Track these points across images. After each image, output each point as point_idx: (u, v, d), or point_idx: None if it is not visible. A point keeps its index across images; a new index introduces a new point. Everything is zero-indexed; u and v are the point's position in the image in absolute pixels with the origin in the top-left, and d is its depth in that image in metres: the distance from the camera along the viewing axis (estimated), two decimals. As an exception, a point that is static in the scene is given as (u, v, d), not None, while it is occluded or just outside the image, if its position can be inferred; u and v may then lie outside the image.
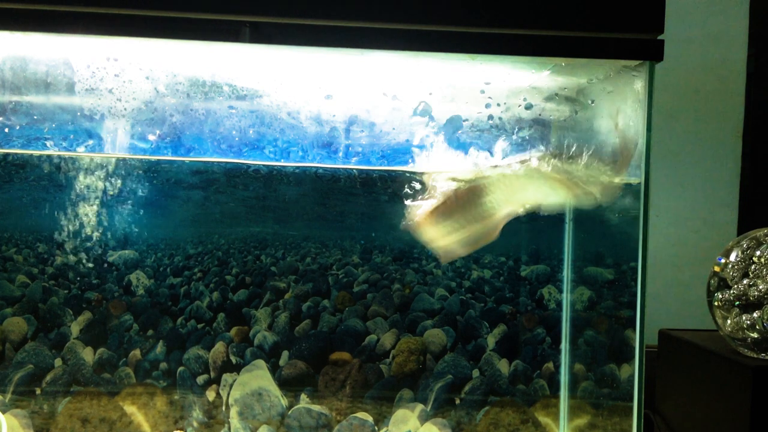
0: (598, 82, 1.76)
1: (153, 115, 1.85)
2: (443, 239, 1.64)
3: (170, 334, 2.13)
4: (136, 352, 2.11)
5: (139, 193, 2.06)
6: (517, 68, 1.73)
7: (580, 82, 1.80)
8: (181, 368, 2.11)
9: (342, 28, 1.50)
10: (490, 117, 1.76)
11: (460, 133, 1.77)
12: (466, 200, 1.62)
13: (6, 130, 1.86)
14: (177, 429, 2.05)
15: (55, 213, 2.05)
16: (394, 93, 1.82)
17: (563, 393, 2.13)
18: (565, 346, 2.14)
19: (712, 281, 1.68)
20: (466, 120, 1.77)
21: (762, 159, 2.26)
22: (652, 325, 1.90)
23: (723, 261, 1.65)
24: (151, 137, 1.89)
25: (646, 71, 1.57)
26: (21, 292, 2.12)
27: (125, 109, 1.82)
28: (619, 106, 1.68)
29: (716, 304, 1.64)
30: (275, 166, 2.02)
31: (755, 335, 1.56)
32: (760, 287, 1.56)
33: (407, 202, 1.66)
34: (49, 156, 1.98)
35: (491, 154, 1.69)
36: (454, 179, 1.65)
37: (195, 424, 2.07)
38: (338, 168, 2.01)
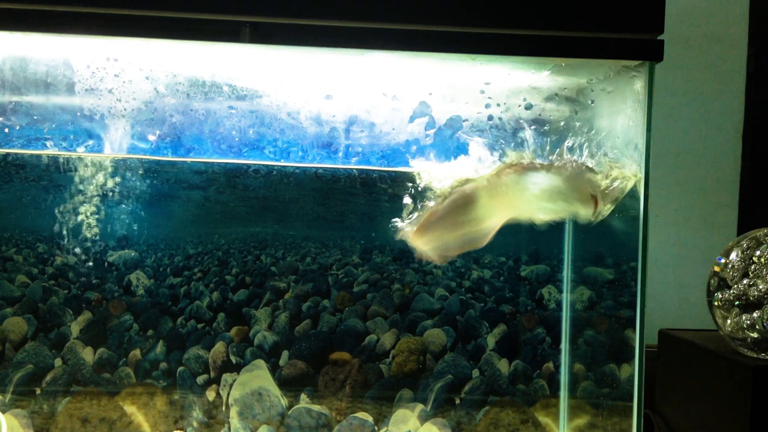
0: (598, 82, 1.76)
1: (153, 116, 1.85)
2: (432, 243, 1.64)
3: (170, 334, 2.13)
4: (136, 352, 2.11)
5: (139, 193, 2.06)
6: (517, 68, 1.73)
7: (580, 83, 1.80)
8: (181, 368, 2.11)
9: (342, 28, 1.50)
10: (490, 117, 1.76)
11: (459, 134, 1.77)
12: (457, 204, 1.62)
13: (6, 130, 1.86)
14: (177, 429, 2.05)
15: (55, 213, 2.05)
16: (394, 93, 1.82)
17: (563, 393, 2.13)
18: (565, 346, 2.14)
19: (712, 281, 1.68)
20: (466, 120, 1.77)
21: (762, 159, 2.26)
22: (652, 325, 1.90)
23: (723, 261, 1.65)
24: (151, 137, 1.89)
25: (646, 71, 1.57)
26: (21, 292, 2.12)
27: (125, 109, 1.82)
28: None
29: (716, 304, 1.64)
30: (275, 166, 2.02)
31: (755, 335, 1.56)
32: (760, 287, 1.56)
33: (405, 204, 1.66)
34: (49, 156, 1.98)
35: (488, 157, 1.69)
36: (449, 181, 1.65)
37: (195, 424, 2.07)
38: (338, 168, 2.01)
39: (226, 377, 2.10)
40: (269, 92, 1.85)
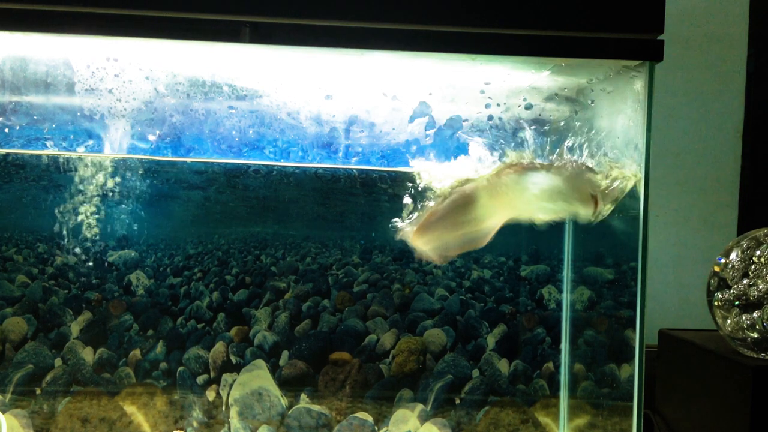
0: (598, 82, 1.76)
1: (153, 116, 1.85)
2: (432, 243, 1.64)
3: (170, 334, 2.13)
4: (136, 352, 2.11)
5: (139, 193, 2.06)
6: (517, 68, 1.73)
7: (580, 82, 1.80)
8: (181, 368, 2.11)
9: (342, 28, 1.50)
10: (490, 117, 1.76)
11: (459, 134, 1.77)
12: (457, 204, 1.62)
13: (6, 130, 1.86)
14: (177, 429, 2.05)
15: (55, 213, 2.05)
16: (394, 93, 1.82)
17: (563, 393, 2.13)
18: (565, 346, 2.14)
19: (712, 281, 1.68)
20: (466, 120, 1.77)
21: (762, 159, 2.26)
22: (652, 325, 1.90)
23: (723, 261, 1.65)
24: (151, 137, 1.89)
25: (646, 71, 1.57)
26: (21, 292, 2.12)
27: (125, 109, 1.82)
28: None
29: (716, 304, 1.64)
30: (275, 166, 2.02)
31: (755, 335, 1.56)
32: (760, 287, 1.56)
33: (405, 204, 1.66)
34: (48, 156, 1.98)
35: (488, 157, 1.69)
36: (449, 181, 1.65)
37: (195, 424, 2.07)
38: (338, 168, 2.01)
39: (226, 377, 2.10)
40: (269, 92, 1.85)
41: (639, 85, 1.60)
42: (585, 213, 1.64)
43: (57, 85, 1.79)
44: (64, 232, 2.06)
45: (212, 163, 2.02)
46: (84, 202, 2.04)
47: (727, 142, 2.26)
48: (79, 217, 2.05)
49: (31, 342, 2.10)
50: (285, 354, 2.14)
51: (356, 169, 2.01)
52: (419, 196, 1.67)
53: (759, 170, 2.26)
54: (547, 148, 1.72)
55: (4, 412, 1.99)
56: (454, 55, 1.57)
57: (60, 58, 1.76)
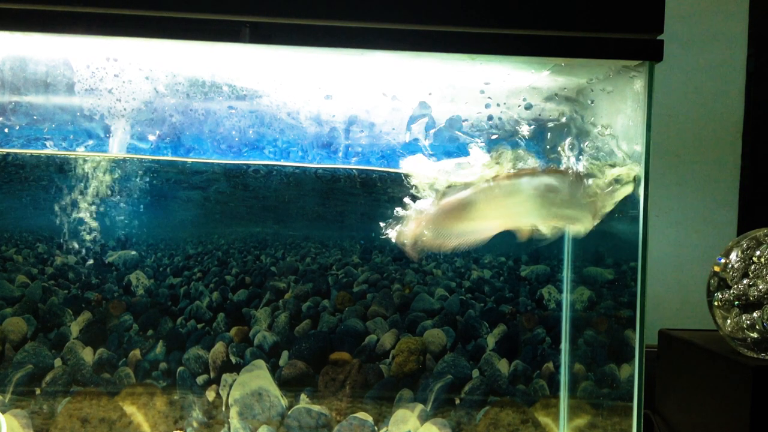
0: (597, 82, 1.76)
1: (153, 116, 1.85)
2: (426, 243, 1.64)
3: (170, 334, 2.13)
4: (136, 352, 2.11)
5: (139, 193, 2.06)
6: (517, 68, 1.73)
7: (579, 82, 1.80)
8: (180, 368, 2.11)
9: (342, 28, 1.50)
10: (490, 117, 1.76)
11: (459, 134, 1.77)
12: (452, 207, 1.62)
13: (6, 130, 1.86)
14: (177, 429, 2.05)
15: (55, 213, 2.05)
16: (393, 93, 1.82)
17: (563, 393, 2.13)
18: (565, 346, 2.14)
19: (712, 281, 1.68)
20: (466, 120, 1.77)
21: (762, 159, 2.26)
22: (652, 325, 1.90)
23: (723, 261, 1.65)
24: (151, 137, 1.89)
25: (646, 71, 1.57)
26: (21, 292, 2.12)
27: (125, 109, 1.82)
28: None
29: (716, 304, 1.64)
30: (275, 166, 2.02)
31: (755, 335, 1.56)
32: (760, 287, 1.56)
33: (405, 203, 1.66)
34: (48, 156, 1.98)
35: (487, 158, 1.69)
36: (448, 182, 1.65)
37: (195, 424, 2.06)
38: (338, 168, 2.01)
39: (226, 377, 2.10)
40: (269, 92, 1.85)
41: (639, 84, 1.60)
42: (584, 219, 1.64)
43: (57, 85, 1.79)
44: (64, 232, 2.06)
45: (212, 163, 2.02)
46: (84, 202, 2.04)
47: (727, 142, 2.26)
48: (79, 217, 2.05)
49: (31, 342, 2.10)
50: (285, 354, 2.14)
51: (356, 169, 2.01)
52: (419, 196, 1.67)
53: (759, 170, 2.26)
54: (548, 147, 1.72)
55: (4, 412, 1.99)
56: (454, 55, 1.57)
57: (60, 58, 1.76)
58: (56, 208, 2.04)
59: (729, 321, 1.61)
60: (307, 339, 2.15)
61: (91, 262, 2.10)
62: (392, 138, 1.86)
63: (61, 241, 2.07)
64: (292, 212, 2.17)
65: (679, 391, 1.86)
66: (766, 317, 1.54)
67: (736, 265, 1.61)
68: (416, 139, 1.81)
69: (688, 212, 2.26)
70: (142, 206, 2.08)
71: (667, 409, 1.91)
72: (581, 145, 1.72)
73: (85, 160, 2.00)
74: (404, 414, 2.09)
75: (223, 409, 2.08)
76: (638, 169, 1.61)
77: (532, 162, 1.65)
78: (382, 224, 1.66)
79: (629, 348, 1.66)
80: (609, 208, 1.65)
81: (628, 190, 1.64)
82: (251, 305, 2.17)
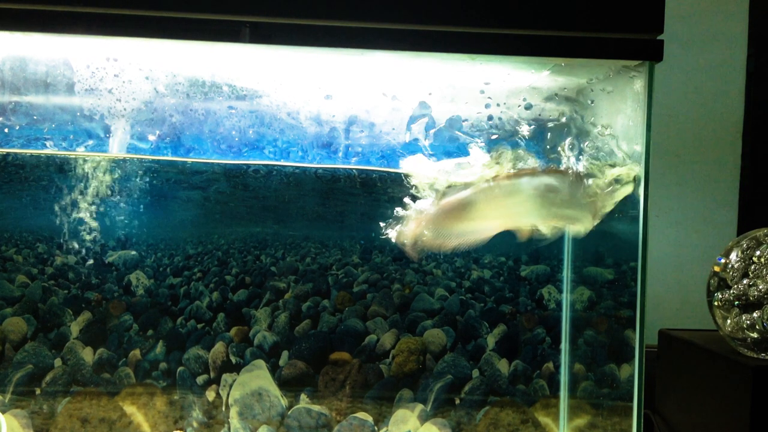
0: (597, 82, 1.76)
1: (153, 116, 1.85)
2: (425, 243, 1.64)
3: (170, 334, 2.13)
4: (136, 352, 2.11)
5: (139, 193, 2.06)
6: (517, 68, 1.73)
7: (579, 82, 1.80)
8: (180, 368, 2.11)
9: (342, 28, 1.50)
10: (490, 117, 1.76)
11: (459, 134, 1.77)
12: (452, 207, 1.62)
13: (6, 130, 1.86)
14: (177, 429, 2.05)
15: (55, 213, 2.05)
16: (393, 93, 1.82)
17: (563, 393, 2.13)
18: (564, 346, 2.14)
19: (712, 281, 1.68)
20: (466, 120, 1.77)
21: (762, 159, 2.26)
22: (652, 325, 1.90)
23: (723, 261, 1.65)
24: (151, 137, 1.89)
25: (646, 71, 1.57)
26: (21, 292, 2.12)
27: (125, 109, 1.82)
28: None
29: (716, 304, 1.64)
30: (275, 166, 2.02)
31: (755, 335, 1.56)
32: (760, 287, 1.56)
33: (404, 203, 1.66)
34: (48, 156, 1.98)
35: (487, 158, 1.69)
36: (448, 182, 1.65)
37: (195, 424, 2.06)
38: (338, 168, 2.01)
39: (226, 377, 2.10)
40: (269, 92, 1.85)
41: (639, 84, 1.60)
42: (584, 219, 1.64)
43: (57, 85, 1.79)
44: (64, 232, 2.06)
45: (212, 163, 2.02)
46: (84, 202, 2.04)
47: (727, 142, 2.26)
48: (79, 217, 2.05)
49: (31, 342, 2.10)
50: (285, 354, 2.14)
51: (356, 169, 2.01)
52: (418, 196, 1.67)
53: (759, 170, 2.26)
54: (547, 147, 1.72)
55: (4, 412, 1.99)
56: (454, 55, 1.57)
57: (60, 58, 1.76)
58: (56, 208, 2.04)
59: (729, 321, 1.61)
60: (307, 339, 2.15)
61: (91, 262, 2.10)
62: (392, 138, 1.86)
63: (61, 241, 2.07)
64: (292, 212, 2.17)
65: (679, 391, 1.86)
66: (766, 317, 1.54)
67: (736, 265, 1.61)
68: (416, 139, 1.81)
69: (688, 212, 2.26)
70: (142, 206, 2.08)
71: (667, 409, 1.91)
72: (581, 145, 1.72)
73: (85, 160, 2.00)
74: (404, 414, 2.09)
75: (223, 409, 2.08)
76: (638, 169, 1.61)
77: (532, 162, 1.65)
78: (382, 224, 1.66)
79: (629, 348, 1.66)
80: (609, 208, 1.65)
81: (628, 190, 1.64)
82: (251, 305, 2.17)
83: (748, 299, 1.58)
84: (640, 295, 1.60)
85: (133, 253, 2.13)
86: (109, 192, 2.04)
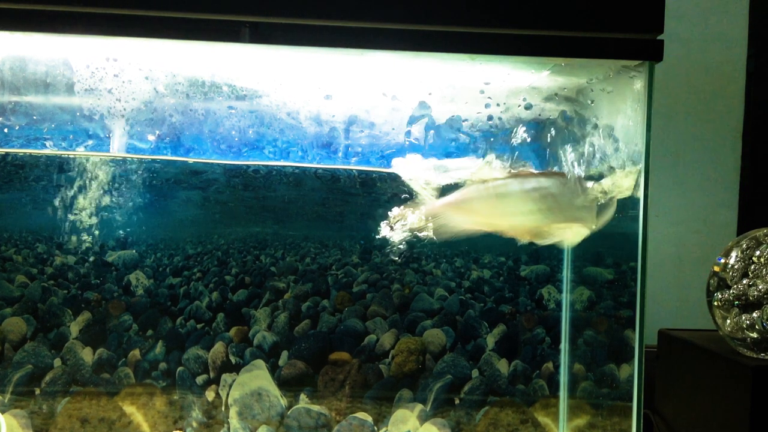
0: (597, 82, 1.76)
1: (152, 116, 1.85)
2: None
3: (169, 334, 2.13)
4: (136, 352, 2.11)
5: (139, 193, 2.06)
6: (517, 68, 1.73)
7: (579, 82, 1.80)
8: (180, 368, 2.11)
9: (342, 28, 1.50)
10: (490, 117, 1.76)
11: (458, 134, 1.77)
12: (450, 206, 1.62)
13: (6, 130, 1.86)
14: (176, 429, 2.05)
15: (55, 213, 2.05)
16: (393, 93, 1.82)
17: (563, 393, 2.13)
18: (564, 346, 2.14)
19: (712, 281, 1.68)
20: (466, 120, 1.77)
21: (762, 159, 2.26)
22: (652, 325, 1.90)
23: (723, 261, 1.65)
24: (151, 137, 1.89)
25: (646, 71, 1.57)
26: (20, 292, 2.12)
27: (125, 109, 1.82)
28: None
29: (716, 304, 1.64)
30: (275, 166, 2.02)
31: (755, 335, 1.56)
32: (760, 287, 1.56)
33: (402, 206, 1.66)
34: (48, 156, 1.98)
35: (486, 158, 1.69)
36: (447, 182, 1.65)
37: (194, 424, 2.06)
38: (338, 168, 2.01)
39: (226, 377, 2.10)
40: (269, 92, 1.85)
41: (639, 85, 1.60)
42: (584, 219, 1.64)
43: (57, 85, 1.79)
44: (64, 232, 2.06)
45: (212, 163, 2.02)
46: (83, 202, 2.04)
47: (727, 142, 2.26)
48: (79, 217, 2.05)
49: (31, 342, 2.10)
50: (284, 354, 2.13)
51: (356, 169, 2.01)
52: (418, 195, 1.67)
53: (759, 170, 2.26)
54: (547, 148, 1.72)
55: (3, 412, 1.98)
56: (454, 55, 1.57)
57: (60, 58, 1.76)
58: (56, 208, 2.04)
59: (729, 321, 1.61)
60: (306, 339, 2.15)
61: (90, 261, 2.10)
62: (392, 138, 1.86)
63: (61, 241, 2.07)
64: (292, 212, 2.17)
65: (678, 391, 1.86)
66: (765, 317, 1.54)
67: (735, 265, 1.61)
68: (416, 139, 1.81)
69: (688, 212, 2.26)
70: (141, 206, 2.08)
71: (667, 409, 1.91)
72: (581, 146, 1.72)
73: (85, 160, 2.00)
74: (404, 414, 2.09)
75: (223, 409, 2.08)
76: (638, 170, 1.61)
77: (532, 162, 1.65)
78: (382, 224, 1.66)
79: (629, 348, 1.66)
80: (609, 208, 1.65)
81: (627, 190, 1.64)
82: (251, 305, 2.17)
83: (748, 299, 1.58)
84: (640, 295, 1.60)
85: (133, 253, 2.13)
86: (109, 192, 2.04)
